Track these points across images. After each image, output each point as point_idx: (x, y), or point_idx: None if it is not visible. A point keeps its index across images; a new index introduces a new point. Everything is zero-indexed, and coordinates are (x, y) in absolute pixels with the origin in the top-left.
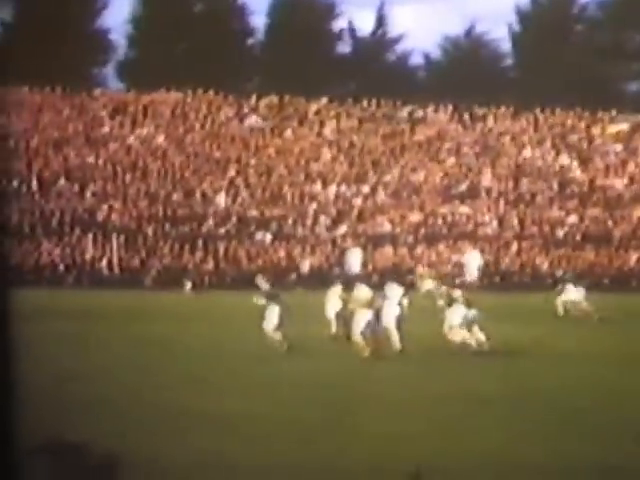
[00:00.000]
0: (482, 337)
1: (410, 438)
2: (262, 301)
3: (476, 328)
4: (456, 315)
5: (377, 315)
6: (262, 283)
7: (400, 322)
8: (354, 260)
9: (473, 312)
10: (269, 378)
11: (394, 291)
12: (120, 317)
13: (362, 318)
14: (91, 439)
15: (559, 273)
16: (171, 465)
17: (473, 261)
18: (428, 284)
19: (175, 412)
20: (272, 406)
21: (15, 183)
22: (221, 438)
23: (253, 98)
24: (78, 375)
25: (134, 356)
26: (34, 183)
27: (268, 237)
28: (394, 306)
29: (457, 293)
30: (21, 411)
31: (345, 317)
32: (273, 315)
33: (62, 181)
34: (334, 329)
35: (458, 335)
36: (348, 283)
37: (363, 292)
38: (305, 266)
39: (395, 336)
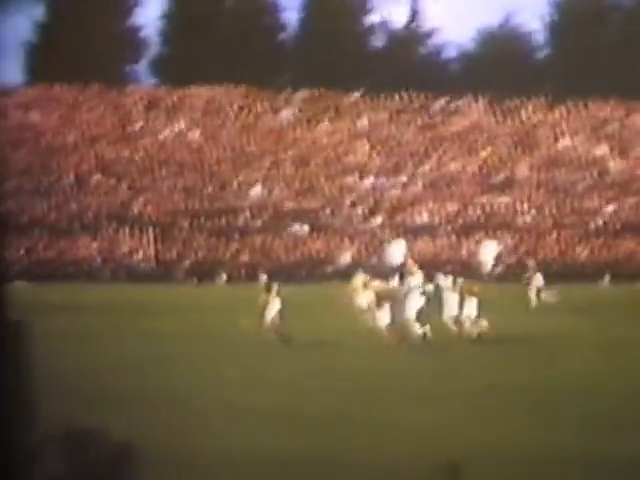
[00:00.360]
0: (485, 323)
1: (445, 429)
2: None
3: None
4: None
5: (399, 306)
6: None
7: (421, 313)
8: (397, 252)
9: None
10: (300, 370)
11: (415, 282)
12: (155, 309)
13: (386, 310)
14: (114, 428)
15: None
16: (190, 455)
17: (489, 251)
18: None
19: (209, 405)
20: (298, 398)
21: (51, 179)
22: (253, 430)
23: (288, 92)
24: (113, 367)
25: (168, 348)
26: (70, 178)
27: (305, 229)
28: (417, 297)
29: (446, 282)
30: (47, 400)
31: (372, 308)
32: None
33: (97, 176)
34: (370, 320)
35: (452, 325)
36: (387, 274)
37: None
38: (346, 258)
39: (416, 327)
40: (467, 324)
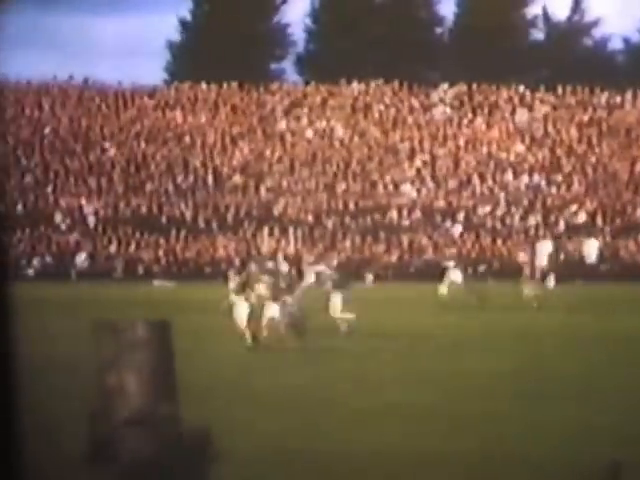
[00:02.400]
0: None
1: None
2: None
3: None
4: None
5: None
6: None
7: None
8: (544, 252)
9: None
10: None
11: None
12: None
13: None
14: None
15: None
16: (265, 445)
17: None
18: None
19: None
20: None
21: (190, 179)
22: (333, 424)
23: (441, 87)
24: (239, 366)
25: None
26: (210, 178)
27: (458, 228)
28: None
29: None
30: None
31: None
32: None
33: (238, 176)
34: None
35: (338, 315)
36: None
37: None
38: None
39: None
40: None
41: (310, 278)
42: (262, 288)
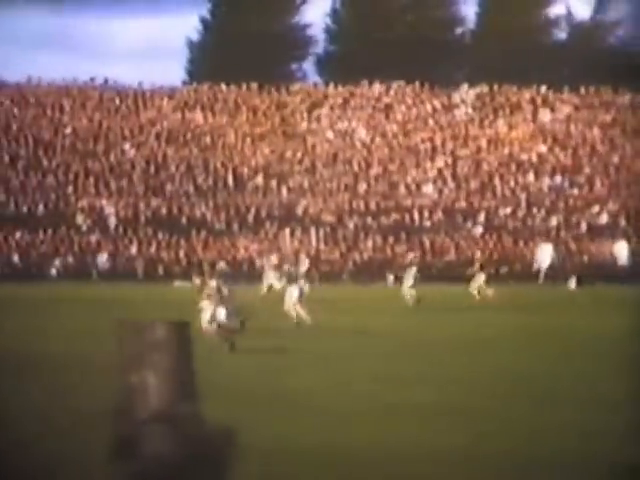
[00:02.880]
0: (304, 314)
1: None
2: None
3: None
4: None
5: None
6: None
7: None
8: (544, 255)
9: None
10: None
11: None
12: (316, 309)
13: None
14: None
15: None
16: (291, 445)
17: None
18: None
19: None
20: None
21: (211, 180)
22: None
23: (462, 88)
24: (261, 366)
25: (333, 346)
26: (230, 179)
27: (479, 229)
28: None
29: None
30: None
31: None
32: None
33: (259, 176)
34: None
35: (293, 311)
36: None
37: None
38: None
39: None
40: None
41: (270, 279)
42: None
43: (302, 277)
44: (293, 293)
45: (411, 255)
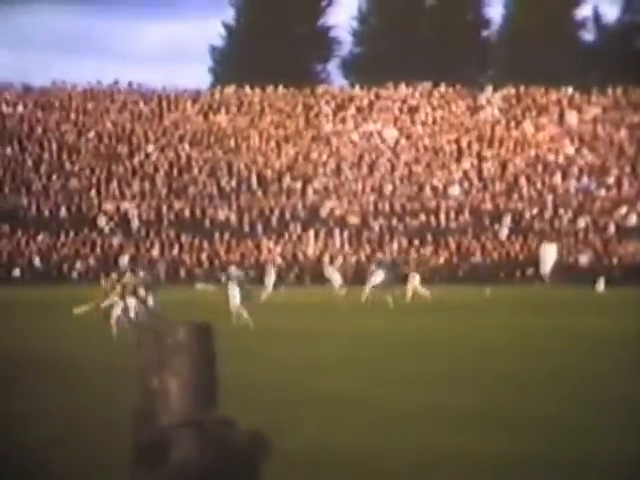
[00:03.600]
0: (246, 316)
1: None
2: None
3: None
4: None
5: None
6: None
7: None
8: (548, 256)
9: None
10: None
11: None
12: (342, 313)
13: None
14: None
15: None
16: (324, 449)
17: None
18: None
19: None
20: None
21: (234, 182)
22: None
23: (488, 90)
24: (290, 368)
25: (352, 349)
26: (254, 181)
27: (505, 231)
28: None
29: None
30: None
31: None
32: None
33: (283, 179)
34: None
35: (236, 312)
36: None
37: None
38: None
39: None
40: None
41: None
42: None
43: (243, 281)
44: (235, 295)
45: (380, 256)
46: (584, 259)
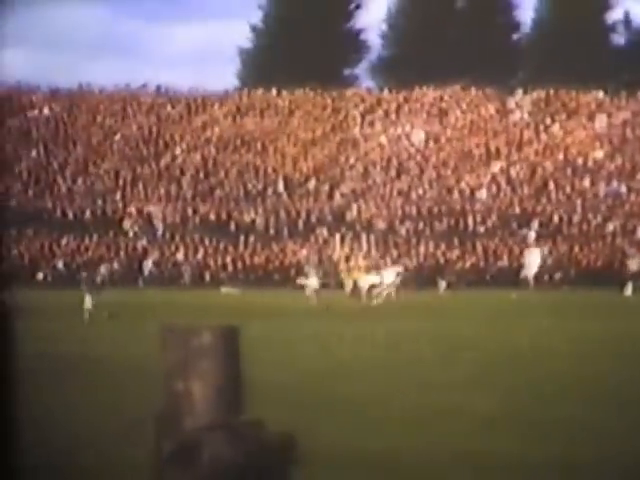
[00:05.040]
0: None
1: None
2: None
3: None
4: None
5: None
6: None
7: None
8: (532, 260)
9: None
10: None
11: None
12: (361, 315)
13: None
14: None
15: None
16: (351, 452)
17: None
18: None
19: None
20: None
21: (260, 185)
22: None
23: (517, 93)
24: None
25: (372, 352)
26: (281, 184)
27: (532, 235)
28: None
29: None
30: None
31: None
32: None
33: (311, 182)
34: None
35: None
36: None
37: None
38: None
39: None
40: None
41: None
42: None
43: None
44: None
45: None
46: (633, 264)
